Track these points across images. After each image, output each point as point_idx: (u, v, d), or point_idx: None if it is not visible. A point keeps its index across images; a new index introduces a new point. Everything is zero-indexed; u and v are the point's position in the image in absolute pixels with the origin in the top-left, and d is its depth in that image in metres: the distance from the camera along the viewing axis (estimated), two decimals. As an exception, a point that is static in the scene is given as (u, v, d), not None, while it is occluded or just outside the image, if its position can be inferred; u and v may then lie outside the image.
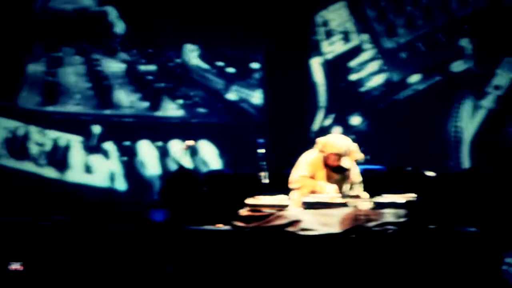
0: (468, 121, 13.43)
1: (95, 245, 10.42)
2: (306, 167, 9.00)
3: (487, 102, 13.39)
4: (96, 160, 14.06)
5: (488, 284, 8.30)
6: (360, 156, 9.03)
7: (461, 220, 8.96)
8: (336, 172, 8.99)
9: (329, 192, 8.81)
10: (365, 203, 8.66)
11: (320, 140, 9.03)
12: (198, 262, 8.60)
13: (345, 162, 8.94)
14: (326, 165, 8.98)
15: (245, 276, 8.39)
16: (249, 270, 8.40)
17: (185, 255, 8.68)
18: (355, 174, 9.18)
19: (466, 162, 13.33)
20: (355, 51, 13.99)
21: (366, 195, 8.97)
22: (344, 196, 8.89)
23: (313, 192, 8.86)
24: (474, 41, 13.46)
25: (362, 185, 9.20)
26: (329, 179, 8.98)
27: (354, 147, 9.02)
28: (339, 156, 8.89)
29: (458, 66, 13.51)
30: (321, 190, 8.84)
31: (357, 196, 8.90)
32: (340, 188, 9.01)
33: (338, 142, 8.96)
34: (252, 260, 8.43)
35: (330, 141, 8.99)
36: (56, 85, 14.19)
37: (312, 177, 8.98)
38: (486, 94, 13.40)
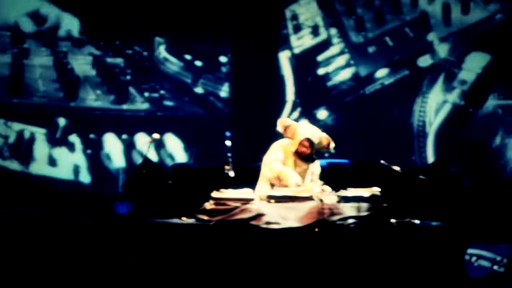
0: (434, 115, 13.48)
1: (60, 237, 10.38)
2: (279, 152, 8.91)
3: (453, 97, 13.44)
4: (60, 152, 13.98)
5: (450, 278, 8.34)
6: (332, 145, 8.97)
7: (425, 214, 9.00)
8: (304, 161, 8.93)
9: (294, 180, 8.74)
10: (329, 196, 8.64)
11: (290, 125, 8.93)
12: (162, 255, 8.56)
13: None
14: (296, 152, 8.90)
15: (209, 269, 8.37)
16: (213, 263, 8.39)
17: (149, 248, 8.64)
18: (317, 166, 9.14)
19: (430, 157, 13.39)
20: (324, 45, 14.01)
21: (328, 188, 8.95)
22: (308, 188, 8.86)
23: (277, 178, 8.78)
24: (441, 35, 13.51)
25: (317, 177, 9.16)
26: (296, 167, 8.93)
27: (326, 136, 8.98)
28: (312, 144, 8.83)
29: (425, 60, 13.55)
30: (284, 178, 8.76)
31: (321, 190, 8.87)
32: (303, 177, 8.97)
33: (311, 130, 8.92)
34: (216, 254, 8.41)
35: (303, 127, 8.93)
36: (21, 77, 14.10)
37: (283, 163, 8.90)
38: (452, 89, 13.45)
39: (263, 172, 8.97)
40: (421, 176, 9.07)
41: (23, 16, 14.14)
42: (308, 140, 8.83)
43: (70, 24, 14.15)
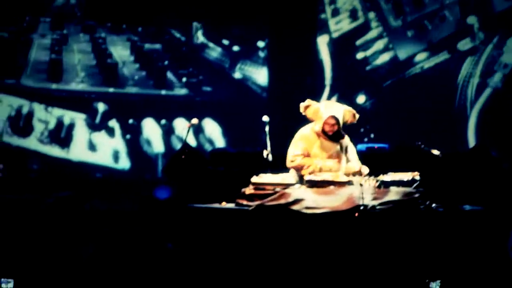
0: (475, 99, 13.38)
1: (99, 222, 10.45)
2: (300, 144, 8.85)
3: (494, 81, 13.32)
4: (100, 138, 14.07)
5: (494, 263, 8.27)
6: (357, 115, 8.85)
7: (467, 199, 8.93)
8: (333, 139, 8.83)
9: (330, 167, 8.69)
10: (369, 181, 8.59)
11: (312, 106, 8.84)
12: (202, 240, 8.58)
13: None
14: (323, 133, 8.80)
15: (248, 254, 8.37)
16: (253, 248, 8.39)
17: (188, 233, 8.67)
18: (349, 142, 9.02)
19: (471, 141, 13.29)
20: (362, 29, 13.93)
21: (365, 168, 8.87)
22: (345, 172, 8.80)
23: (312, 172, 8.74)
24: (481, 19, 13.37)
25: (355, 152, 9.07)
26: (326, 150, 8.85)
27: (349, 108, 8.87)
28: (337, 120, 8.74)
29: (465, 44, 13.43)
30: (322, 170, 8.72)
31: (359, 173, 8.80)
32: (338, 157, 8.88)
33: (333, 106, 8.84)
34: (255, 239, 8.41)
35: (325, 105, 8.84)
36: (60, 62, 14.19)
37: (307, 154, 8.84)
38: (494, 73, 13.32)
39: (289, 166, 8.92)
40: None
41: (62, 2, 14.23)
42: (333, 117, 8.74)
43: (107, 9, 14.20)
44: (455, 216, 8.37)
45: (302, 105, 8.87)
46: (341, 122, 8.75)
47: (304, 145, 8.82)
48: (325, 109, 8.76)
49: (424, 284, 7.74)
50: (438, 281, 7.67)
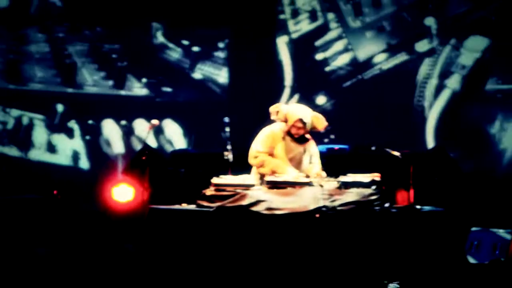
0: (433, 100, 13.48)
1: (59, 223, 10.40)
2: (265, 141, 8.91)
3: (452, 82, 13.44)
4: (59, 139, 13.97)
5: (451, 262, 8.36)
6: (325, 123, 8.96)
7: (426, 200, 9.01)
8: (298, 142, 8.93)
9: (290, 173, 8.76)
10: (329, 182, 8.65)
11: (281, 109, 8.92)
12: (162, 241, 8.57)
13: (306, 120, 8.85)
14: (288, 134, 8.90)
15: (208, 255, 8.38)
16: (213, 249, 8.40)
17: (148, 234, 8.65)
18: (313, 146, 9.12)
19: (430, 142, 13.39)
20: (321, 30, 13.96)
21: (323, 173, 8.95)
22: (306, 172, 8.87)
23: (273, 172, 8.79)
24: (439, 20, 13.49)
25: (319, 157, 9.15)
26: (289, 151, 8.93)
27: (318, 114, 8.97)
28: (304, 123, 8.83)
29: (423, 45, 13.54)
30: (282, 172, 8.77)
31: (317, 175, 8.87)
32: (300, 160, 8.97)
33: (303, 109, 8.92)
34: (216, 240, 8.42)
35: (294, 108, 8.93)
36: (18, 63, 14.06)
37: (271, 153, 8.90)
38: (451, 74, 13.45)
39: (250, 163, 8.97)
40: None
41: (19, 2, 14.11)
42: (301, 120, 8.83)
43: (67, 9, 14.11)
44: (414, 217, 8.45)
45: (272, 110, 8.93)
46: (308, 126, 8.84)
47: (270, 143, 8.89)
48: (294, 112, 8.84)
49: (383, 285, 7.80)
50: (396, 283, 7.74)
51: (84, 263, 8.70)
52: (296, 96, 13.77)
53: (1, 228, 10.06)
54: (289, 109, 8.90)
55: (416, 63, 13.54)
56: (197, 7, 13.84)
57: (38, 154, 13.91)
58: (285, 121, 8.89)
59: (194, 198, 8.72)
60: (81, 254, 9.08)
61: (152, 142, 13.62)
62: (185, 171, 10.75)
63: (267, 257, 8.29)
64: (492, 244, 8.75)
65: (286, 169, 8.78)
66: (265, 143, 8.90)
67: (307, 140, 9.03)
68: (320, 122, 8.92)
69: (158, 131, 13.83)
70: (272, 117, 8.95)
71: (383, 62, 13.66)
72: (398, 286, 7.69)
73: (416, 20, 13.63)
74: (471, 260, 8.79)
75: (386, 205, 8.51)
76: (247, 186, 8.65)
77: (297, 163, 8.95)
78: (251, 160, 8.95)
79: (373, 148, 9.27)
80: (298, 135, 8.91)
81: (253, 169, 9.04)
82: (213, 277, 8.22)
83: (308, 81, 13.86)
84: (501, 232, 8.63)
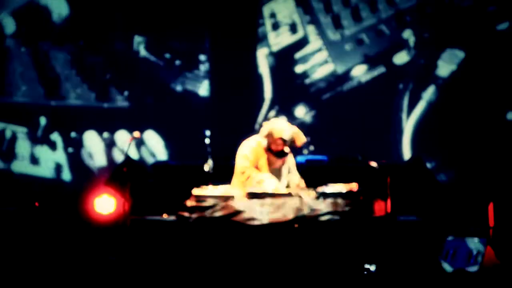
0: (410, 112, 13.59)
1: (41, 235, 10.41)
2: (249, 156, 9.11)
3: (428, 94, 13.57)
4: (42, 151, 13.99)
5: (427, 271, 8.47)
6: (304, 139, 9.21)
7: (402, 209, 9.14)
8: (278, 156, 9.14)
9: (270, 185, 8.92)
10: (308, 193, 8.78)
11: (266, 126, 9.16)
12: (143, 252, 8.65)
13: (286, 148, 9.13)
14: (269, 150, 9.12)
15: (189, 265, 8.45)
16: (193, 260, 8.48)
17: (130, 245, 8.72)
18: (291, 157, 9.34)
19: (407, 153, 13.50)
20: (301, 42, 14.05)
21: (302, 182, 9.16)
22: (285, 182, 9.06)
23: (257, 183, 8.95)
24: (416, 32, 13.62)
25: (295, 168, 9.36)
26: (270, 164, 9.13)
27: (298, 131, 9.20)
28: (285, 141, 9.05)
29: (401, 57, 13.66)
30: (267, 184, 8.93)
31: (299, 186, 9.04)
32: (279, 172, 9.16)
33: (284, 128, 9.13)
34: (196, 250, 8.50)
35: (277, 127, 9.13)
36: (1, 76, 14.08)
37: (256, 167, 9.09)
38: (428, 85, 13.57)
39: (237, 177, 9.12)
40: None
41: (4, 16, 14.14)
42: (282, 139, 9.06)
43: (50, 22, 14.15)
44: (391, 227, 8.57)
45: (263, 132, 9.15)
46: (288, 143, 9.07)
47: (252, 157, 9.07)
48: (277, 131, 9.06)
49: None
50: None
51: (68, 274, 8.75)
52: (276, 108, 13.86)
53: None
54: (271, 127, 9.12)
55: (393, 75, 13.65)
56: (178, 20, 13.92)
57: (21, 166, 13.94)
58: (265, 136, 9.10)
59: (175, 209, 8.81)
60: (64, 265, 9.13)
61: (134, 154, 13.68)
62: (166, 182, 10.82)
63: (247, 267, 8.39)
64: (467, 252, 8.86)
65: (271, 182, 8.95)
66: (249, 158, 9.10)
67: (286, 154, 9.22)
68: (300, 138, 9.17)
69: (139, 143, 13.88)
70: (263, 136, 9.18)
71: (361, 74, 13.76)
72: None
73: (394, 32, 13.75)
74: (447, 268, 8.89)
75: (363, 214, 8.63)
76: (228, 197, 8.76)
77: (277, 175, 9.14)
78: (238, 177, 9.10)
79: (359, 158, 9.43)
80: (277, 151, 9.13)
81: (233, 181, 9.18)
82: (194, 287, 8.31)
83: (288, 93, 13.93)
84: (476, 241, 8.76)
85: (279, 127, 9.15)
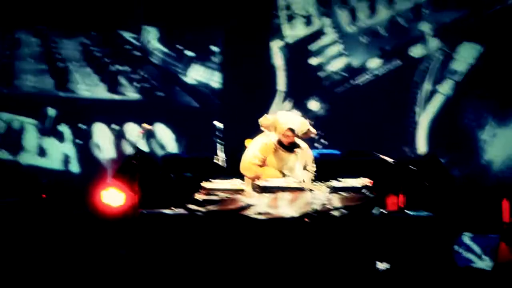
0: (426, 106, 13.49)
1: (50, 228, 10.40)
2: (258, 154, 8.98)
3: (445, 88, 13.45)
4: (50, 143, 13.98)
5: (439, 267, 8.38)
6: (313, 130, 9.02)
7: (416, 205, 9.03)
8: (289, 150, 8.97)
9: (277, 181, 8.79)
10: (320, 187, 8.67)
11: (270, 119, 8.97)
12: (153, 245, 8.58)
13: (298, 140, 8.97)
14: (280, 144, 8.96)
15: (198, 259, 8.40)
16: (203, 253, 8.41)
17: (140, 238, 8.66)
18: (307, 152, 9.16)
19: (422, 147, 13.40)
20: (316, 35, 13.97)
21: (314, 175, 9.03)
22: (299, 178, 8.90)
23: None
24: (433, 25, 13.50)
25: (314, 163, 9.19)
26: (281, 160, 8.97)
27: (305, 121, 9.02)
28: (293, 132, 8.87)
29: (417, 51, 13.54)
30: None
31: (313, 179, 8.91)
32: (293, 167, 9.00)
33: (291, 118, 8.97)
34: (206, 244, 8.44)
35: (282, 118, 8.97)
36: (11, 67, 14.08)
37: (264, 164, 8.96)
38: (445, 80, 13.45)
39: (244, 174, 9.01)
40: (411, 166, 9.09)
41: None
42: (290, 129, 8.88)
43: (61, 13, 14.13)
44: (404, 222, 8.47)
45: (261, 122, 8.98)
46: (298, 133, 8.90)
47: (262, 154, 8.94)
48: (283, 122, 8.89)
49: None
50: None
51: (76, 267, 8.73)
52: (289, 101, 13.78)
53: None
54: (277, 119, 8.95)
55: (410, 69, 13.54)
56: (191, 11, 13.86)
57: (29, 157, 13.92)
58: (273, 130, 8.95)
59: (185, 203, 8.73)
60: (71, 258, 9.11)
61: (144, 146, 13.64)
62: (175, 175, 10.75)
63: (257, 261, 8.31)
64: (481, 249, 8.79)
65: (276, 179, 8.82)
66: (258, 155, 8.96)
67: (298, 146, 9.06)
68: (308, 127, 8.98)
69: (150, 136, 13.83)
70: (262, 128, 9.02)
71: (377, 67, 13.67)
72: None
73: (410, 25, 13.63)
74: (461, 264, 8.82)
75: (377, 209, 8.52)
76: (238, 191, 8.67)
77: (290, 171, 8.99)
78: (244, 172, 8.99)
79: (373, 152, 9.32)
80: (288, 144, 8.97)
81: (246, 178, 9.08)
82: (204, 281, 8.24)
83: (301, 86, 13.87)
84: (490, 237, 8.66)
85: (286, 117, 8.99)
